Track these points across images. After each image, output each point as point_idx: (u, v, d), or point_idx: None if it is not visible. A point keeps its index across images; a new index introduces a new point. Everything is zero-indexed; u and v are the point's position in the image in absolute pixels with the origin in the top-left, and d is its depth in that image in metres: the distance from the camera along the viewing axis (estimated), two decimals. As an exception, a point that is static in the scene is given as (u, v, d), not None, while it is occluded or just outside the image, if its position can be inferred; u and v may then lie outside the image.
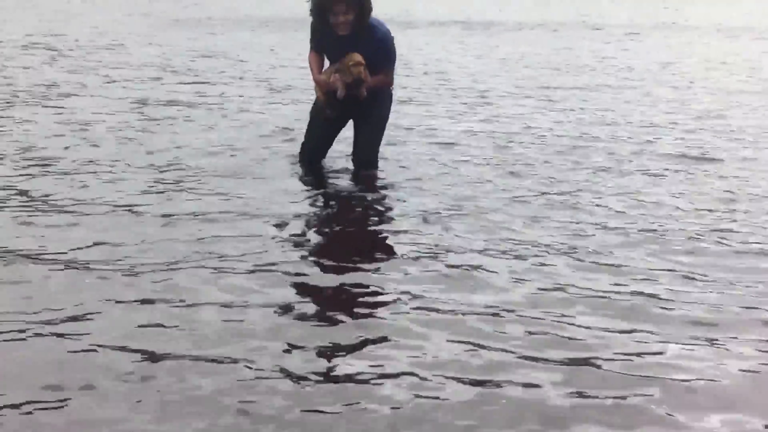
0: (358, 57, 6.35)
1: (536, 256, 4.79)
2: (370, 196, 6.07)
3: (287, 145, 7.63)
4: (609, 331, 3.82)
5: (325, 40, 6.53)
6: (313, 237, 5.12)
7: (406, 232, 5.15)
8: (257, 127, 8.46)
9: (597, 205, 5.91)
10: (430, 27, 20.99)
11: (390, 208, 5.76)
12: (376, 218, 5.52)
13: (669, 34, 20.88)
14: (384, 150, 7.24)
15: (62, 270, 4.22)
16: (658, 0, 34.04)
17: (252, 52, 15.07)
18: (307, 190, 6.27)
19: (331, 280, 4.28)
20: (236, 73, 12.24)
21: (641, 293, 4.25)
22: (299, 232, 5.17)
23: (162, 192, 5.91)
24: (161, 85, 10.94)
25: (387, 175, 6.77)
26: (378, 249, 4.85)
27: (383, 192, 6.23)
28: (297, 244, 4.88)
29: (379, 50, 6.46)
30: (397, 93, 8.51)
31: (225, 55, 14.43)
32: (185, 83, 11.12)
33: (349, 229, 5.35)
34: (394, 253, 4.72)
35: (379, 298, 4.04)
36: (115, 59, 13.41)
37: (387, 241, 4.99)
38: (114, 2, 27.77)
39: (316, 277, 4.33)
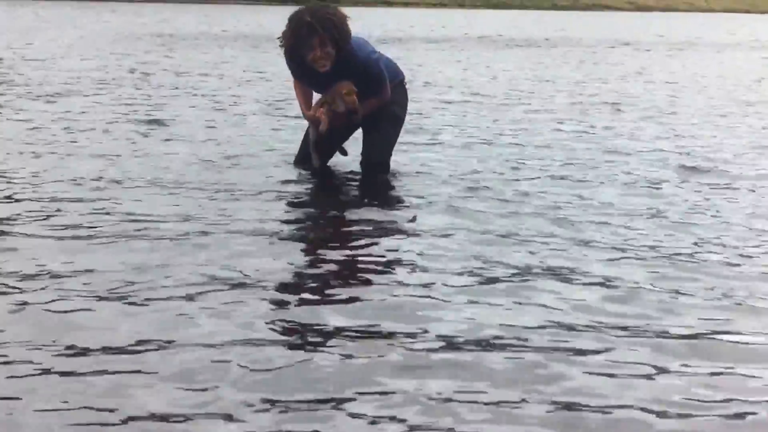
0: (350, 85, 5.73)
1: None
2: (377, 208, 5.16)
3: (275, 157, 6.70)
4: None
5: (305, 74, 5.84)
6: (298, 260, 4.22)
7: (410, 261, 4.17)
8: (235, 141, 7.48)
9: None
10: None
11: (401, 225, 4.81)
12: (380, 238, 4.55)
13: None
14: (398, 157, 6.25)
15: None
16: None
17: (209, 69, 14.19)
18: (301, 200, 5.45)
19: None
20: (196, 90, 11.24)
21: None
22: (283, 251, 4.31)
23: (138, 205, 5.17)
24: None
25: (401, 184, 5.82)
26: (378, 282, 3.88)
27: (395, 204, 5.33)
28: (277, 267, 4.05)
29: (366, 75, 5.77)
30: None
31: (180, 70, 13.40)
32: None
33: (346, 248, 4.41)
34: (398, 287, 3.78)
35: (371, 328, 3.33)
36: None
37: (388, 270, 4.04)
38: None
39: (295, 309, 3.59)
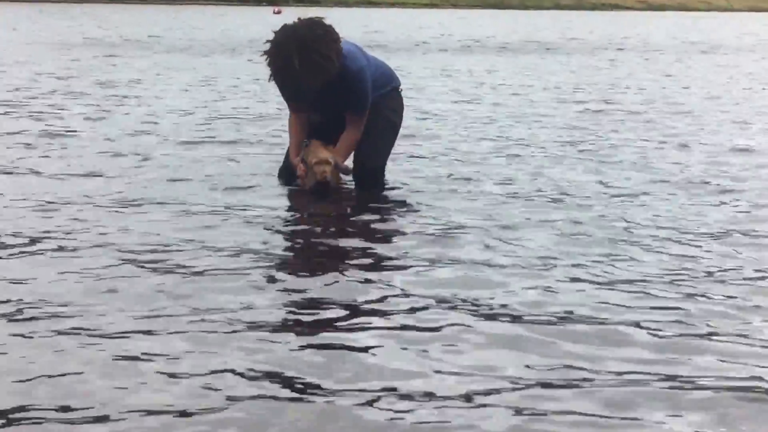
0: (322, 154, 5.40)
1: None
2: (369, 225, 4.92)
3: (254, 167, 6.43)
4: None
5: (294, 92, 5.60)
6: (283, 282, 3.95)
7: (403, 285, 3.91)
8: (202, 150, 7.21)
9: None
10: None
11: (393, 248, 4.51)
12: (372, 251, 4.39)
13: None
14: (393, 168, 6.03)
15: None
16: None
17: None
18: (290, 213, 5.25)
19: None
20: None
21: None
22: (268, 271, 4.07)
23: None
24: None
25: (395, 196, 5.58)
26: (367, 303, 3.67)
27: (387, 220, 5.06)
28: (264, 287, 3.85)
29: (353, 90, 5.51)
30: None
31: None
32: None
33: (336, 261, 4.27)
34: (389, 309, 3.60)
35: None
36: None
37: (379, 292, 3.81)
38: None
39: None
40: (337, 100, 5.51)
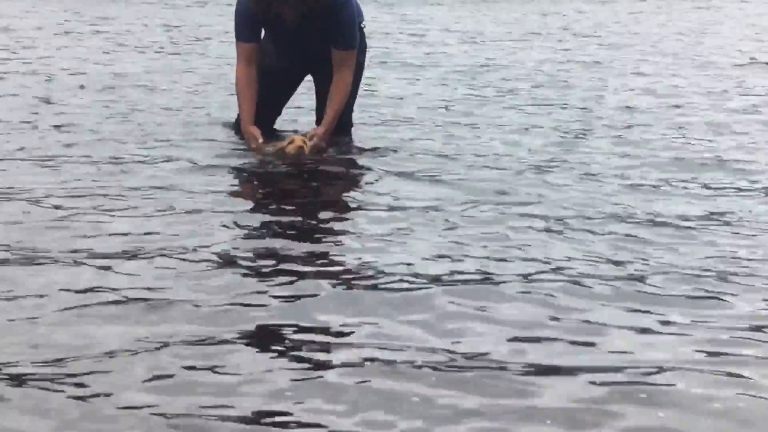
0: (298, 141, 5.03)
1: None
2: (339, 173, 4.92)
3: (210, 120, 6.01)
4: None
5: (275, 22, 5.09)
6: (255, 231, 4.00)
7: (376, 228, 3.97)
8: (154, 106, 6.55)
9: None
10: None
11: (364, 191, 4.61)
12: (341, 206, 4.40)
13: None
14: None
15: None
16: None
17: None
18: (249, 171, 5.00)
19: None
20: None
21: None
22: (242, 225, 4.05)
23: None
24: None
25: (366, 144, 5.45)
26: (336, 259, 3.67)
27: (357, 169, 5.00)
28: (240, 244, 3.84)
29: (341, 25, 5.12)
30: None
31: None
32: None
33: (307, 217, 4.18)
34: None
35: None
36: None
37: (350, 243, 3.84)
38: None
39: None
40: (317, 38, 5.11)
